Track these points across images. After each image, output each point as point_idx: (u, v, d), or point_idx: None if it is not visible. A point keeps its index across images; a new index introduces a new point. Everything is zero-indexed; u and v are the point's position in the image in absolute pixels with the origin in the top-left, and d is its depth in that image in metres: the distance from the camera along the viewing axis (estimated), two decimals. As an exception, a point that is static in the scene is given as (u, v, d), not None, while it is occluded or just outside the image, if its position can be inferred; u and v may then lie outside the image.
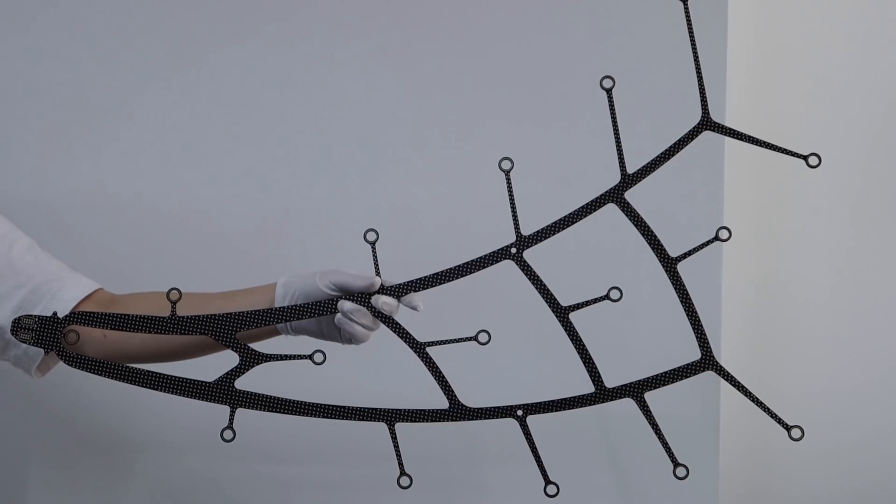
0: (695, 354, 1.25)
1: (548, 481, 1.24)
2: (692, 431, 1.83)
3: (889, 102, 1.94)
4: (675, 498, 1.79)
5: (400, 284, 1.26)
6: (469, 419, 1.25)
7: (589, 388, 1.26)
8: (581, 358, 1.26)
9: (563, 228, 1.26)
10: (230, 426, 1.22)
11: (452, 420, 1.25)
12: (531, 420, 1.25)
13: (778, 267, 1.96)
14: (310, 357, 1.21)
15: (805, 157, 1.22)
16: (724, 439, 1.87)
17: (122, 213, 1.85)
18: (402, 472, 1.23)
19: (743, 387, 1.24)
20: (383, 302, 1.25)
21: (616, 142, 1.25)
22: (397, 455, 1.24)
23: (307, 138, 1.86)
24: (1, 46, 1.84)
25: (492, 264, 1.26)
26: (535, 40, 1.85)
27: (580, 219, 1.26)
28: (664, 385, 1.25)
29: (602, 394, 1.26)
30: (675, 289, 1.25)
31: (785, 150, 1.23)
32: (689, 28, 1.24)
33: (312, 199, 1.86)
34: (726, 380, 1.25)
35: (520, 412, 1.25)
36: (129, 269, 1.83)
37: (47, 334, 1.23)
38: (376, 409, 1.25)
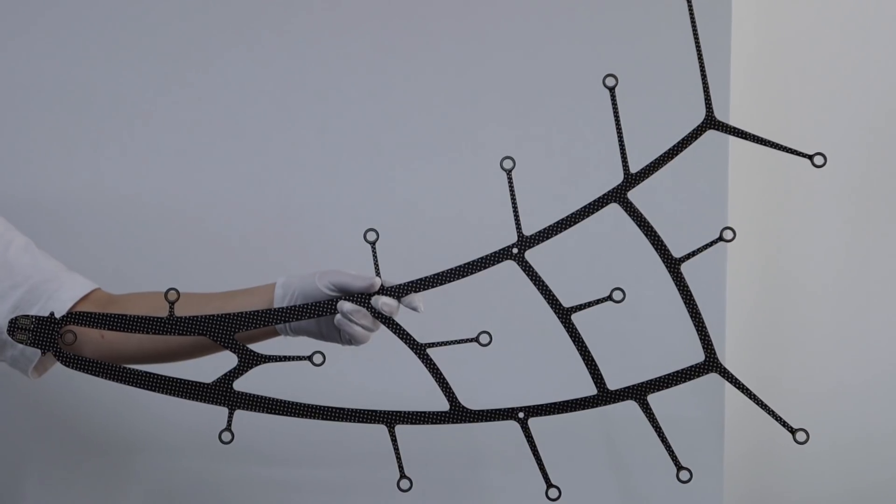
0: (698, 356, 1.25)
1: (549, 485, 1.25)
2: (696, 434, 1.82)
3: (894, 100, 1.94)
4: (679, 502, 1.79)
5: (400, 285, 1.26)
6: (470, 421, 1.25)
7: (591, 390, 1.26)
8: (583, 359, 1.26)
9: (566, 228, 1.26)
10: (228, 428, 1.22)
11: (453, 422, 1.25)
12: (533, 422, 1.26)
13: (782, 268, 1.96)
14: (309, 358, 1.21)
15: (810, 157, 1.22)
16: (728, 442, 1.87)
17: (120, 212, 1.85)
18: (403, 475, 1.24)
19: (747, 389, 1.24)
20: (383, 303, 1.25)
21: (619, 141, 1.25)
22: (397, 458, 1.24)
23: (307, 137, 1.86)
24: (0, 45, 1.85)
25: (493, 265, 1.26)
26: (537, 39, 1.85)
27: (582, 219, 1.26)
28: (667, 387, 1.25)
29: (604, 396, 1.26)
30: (679, 290, 1.25)
31: (790, 149, 1.23)
32: (692, 26, 1.24)
33: (312, 198, 1.86)
34: (730, 382, 1.25)
35: (521, 414, 1.26)
36: (126, 268, 1.83)
37: (44, 335, 1.23)
38: (376, 411, 1.25)
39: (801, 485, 1.97)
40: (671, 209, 1.80)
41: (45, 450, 1.86)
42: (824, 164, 1.22)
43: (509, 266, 1.28)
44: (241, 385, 1.24)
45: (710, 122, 1.25)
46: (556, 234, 1.26)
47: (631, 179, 1.26)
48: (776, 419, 1.24)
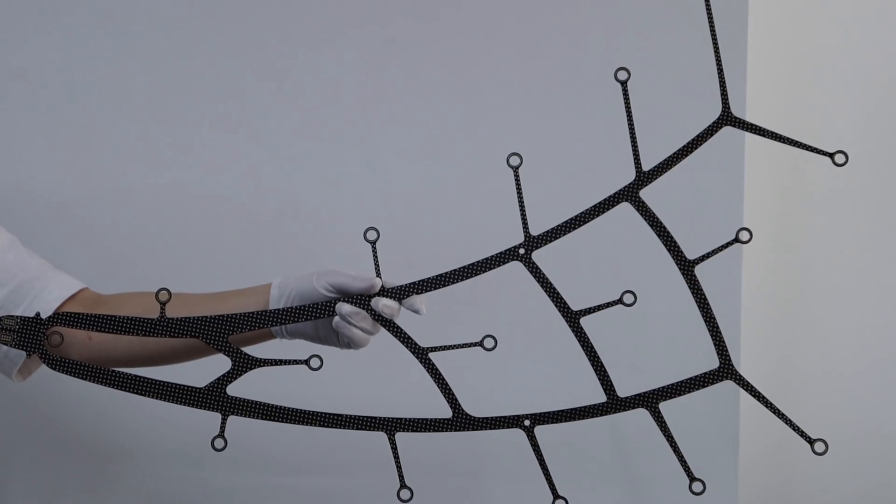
0: (712, 362, 1.25)
1: (556, 496, 1.24)
2: (709, 444, 1.82)
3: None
4: (691, 514, 1.79)
5: (401, 286, 1.26)
6: (473, 429, 1.25)
7: (600, 397, 1.26)
8: (592, 365, 1.25)
9: (575, 228, 1.26)
10: (221, 434, 1.22)
11: (456, 430, 1.25)
12: (539, 431, 1.25)
13: (800, 270, 1.96)
14: (306, 362, 1.21)
15: (831, 155, 1.22)
16: (743, 452, 1.86)
17: (109, 208, 1.85)
18: (403, 485, 1.23)
19: (764, 397, 1.24)
20: (384, 304, 1.25)
21: (631, 137, 1.25)
22: (397, 466, 1.24)
23: (305, 131, 1.86)
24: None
25: (499, 266, 1.26)
26: (546, 30, 1.85)
27: (592, 218, 1.26)
28: (680, 395, 1.25)
29: (614, 403, 1.26)
30: (693, 293, 1.24)
31: (809, 147, 1.23)
32: (709, 18, 1.23)
33: (310, 195, 1.85)
34: (746, 390, 1.24)
35: (527, 422, 1.25)
36: (116, 267, 1.83)
37: (30, 336, 1.23)
38: (375, 418, 1.24)
39: (819, 497, 1.97)
40: (685, 209, 1.80)
41: (29, 455, 1.86)
42: (846, 162, 1.21)
43: (515, 267, 1.27)
44: (234, 390, 1.23)
45: (727, 118, 1.25)
46: (564, 234, 1.26)
47: (643, 177, 1.26)
48: (794, 429, 1.23)
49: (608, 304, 1.24)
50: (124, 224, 1.85)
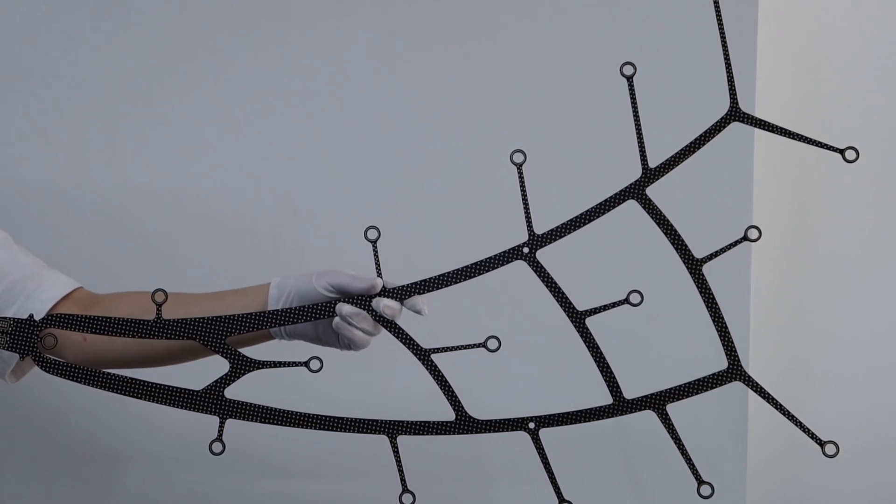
0: (721, 363, 1.25)
1: (561, 499, 1.24)
2: (718, 446, 1.82)
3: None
4: (699, 518, 1.79)
5: (403, 286, 1.26)
6: (477, 432, 1.25)
7: (606, 399, 1.26)
8: (598, 366, 1.25)
9: (580, 227, 1.26)
10: (219, 438, 1.22)
11: (459, 433, 1.25)
12: (544, 433, 1.25)
13: (810, 269, 1.96)
14: (305, 364, 1.21)
15: (842, 151, 1.22)
16: (751, 454, 1.86)
17: (104, 206, 1.85)
18: (405, 489, 1.23)
19: (773, 399, 1.24)
20: (385, 305, 1.25)
21: (637, 133, 1.25)
22: (399, 470, 1.24)
23: (306, 129, 1.86)
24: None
25: (502, 265, 1.26)
26: (550, 25, 1.85)
27: (598, 216, 1.26)
28: (688, 396, 1.25)
29: (621, 405, 1.25)
30: (701, 292, 1.24)
31: (820, 143, 1.23)
32: (716, 12, 1.23)
33: (310, 193, 1.85)
34: (755, 391, 1.24)
35: (532, 425, 1.25)
36: (111, 266, 1.83)
37: (23, 338, 1.22)
38: (377, 421, 1.24)
39: (829, 499, 1.96)
40: (693, 207, 1.80)
41: (23, 459, 1.86)
42: (856, 158, 1.21)
43: (519, 266, 1.27)
44: (232, 392, 1.23)
45: (735, 114, 1.24)
46: (569, 232, 1.26)
47: (650, 175, 1.25)
48: (804, 431, 1.23)
49: (614, 304, 1.24)
50: (120, 222, 1.85)
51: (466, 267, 1.25)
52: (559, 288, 1.25)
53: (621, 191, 1.26)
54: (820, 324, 1.96)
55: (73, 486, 1.86)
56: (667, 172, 1.26)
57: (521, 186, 1.25)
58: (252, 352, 1.26)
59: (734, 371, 1.24)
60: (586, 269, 1.80)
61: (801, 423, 1.23)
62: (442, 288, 1.25)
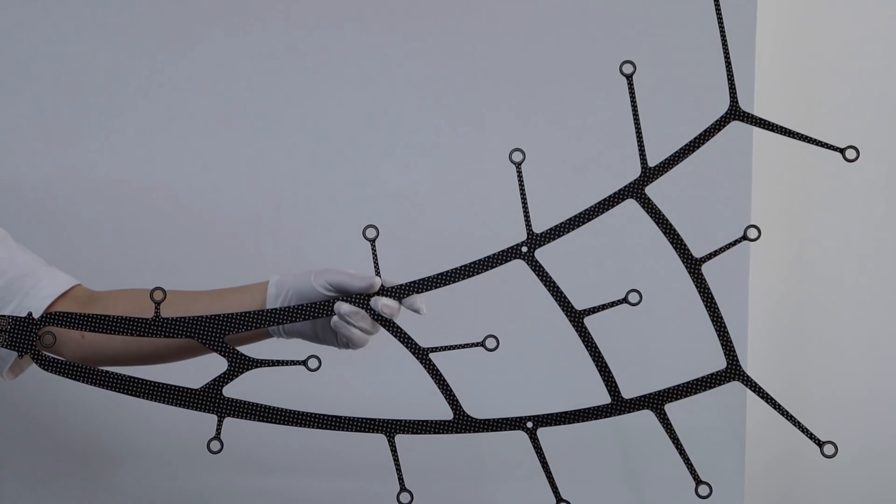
0: (719, 363, 1.25)
1: (560, 499, 1.24)
2: (716, 446, 1.82)
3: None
4: (697, 518, 1.79)
5: (401, 285, 1.26)
6: (475, 431, 1.25)
7: (605, 398, 1.26)
8: (596, 366, 1.25)
9: (579, 226, 1.26)
10: (217, 436, 1.21)
11: (457, 432, 1.25)
12: (542, 433, 1.25)
13: (809, 269, 1.96)
14: (303, 363, 1.21)
15: (842, 150, 1.21)
16: (750, 454, 1.86)
17: (103, 203, 1.85)
18: (403, 488, 1.23)
19: (772, 399, 1.24)
20: (383, 304, 1.24)
21: (636, 132, 1.25)
22: (397, 469, 1.24)
23: (304, 126, 1.86)
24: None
25: (501, 264, 1.26)
26: (550, 22, 1.85)
27: (597, 216, 1.26)
28: (686, 396, 1.25)
29: (619, 405, 1.25)
30: (699, 292, 1.24)
31: (820, 142, 1.23)
32: (717, 12, 1.23)
33: (308, 191, 1.85)
34: (754, 391, 1.24)
35: (530, 424, 1.25)
36: (109, 263, 1.83)
37: (21, 336, 1.22)
38: (375, 420, 1.24)
39: (827, 500, 1.97)
40: (692, 206, 1.80)
41: (21, 457, 1.86)
42: (857, 157, 1.21)
43: (518, 266, 1.27)
44: (231, 391, 1.23)
45: (735, 113, 1.24)
46: (568, 231, 1.26)
47: (649, 174, 1.25)
48: (803, 431, 1.23)
49: (613, 304, 1.24)
50: (118, 219, 1.85)
51: (465, 266, 1.25)
52: (558, 287, 1.25)
53: (620, 190, 1.26)
54: (818, 323, 1.96)
55: (71, 483, 1.86)
56: (666, 171, 1.26)
57: (519, 185, 1.25)
58: (250, 350, 1.26)
59: (733, 371, 1.24)
60: (585, 268, 1.80)
61: (799, 423, 1.23)
62: (440, 287, 1.25)
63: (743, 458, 1.85)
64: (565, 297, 1.25)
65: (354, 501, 1.86)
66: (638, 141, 1.25)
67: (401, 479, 1.23)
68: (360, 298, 1.25)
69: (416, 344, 1.25)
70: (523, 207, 1.26)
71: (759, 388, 1.24)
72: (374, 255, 1.26)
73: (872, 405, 1.95)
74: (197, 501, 1.86)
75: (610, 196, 1.26)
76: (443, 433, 1.24)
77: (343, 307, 1.24)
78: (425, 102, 1.85)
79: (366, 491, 1.84)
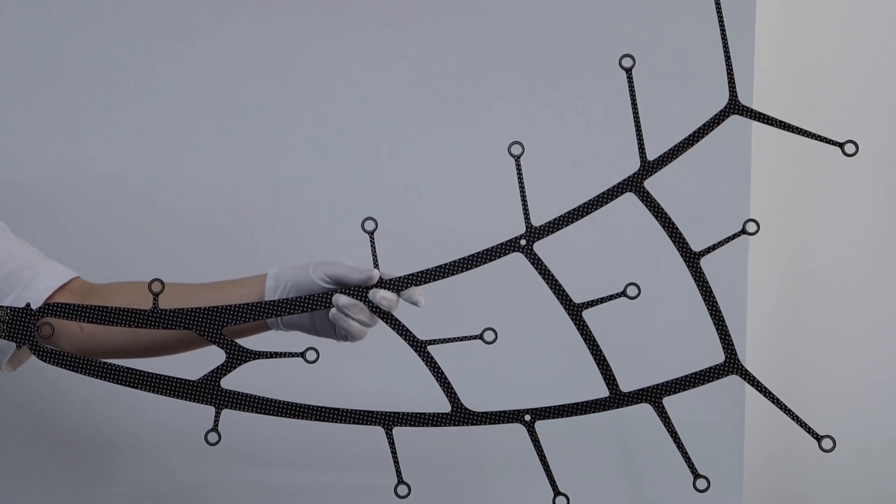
0: (718, 356, 1.25)
1: (557, 492, 1.24)
2: (714, 440, 1.82)
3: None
4: (695, 511, 1.79)
5: (400, 278, 1.26)
6: (473, 424, 1.25)
7: (603, 391, 1.26)
8: (595, 359, 1.25)
9: (578, 219, 1.26)
10: (215, 428, 1.22)
11: (455, 424, 1.25)
12: (540, 426, 1.25)
13: (807, 263, 1.96)
14: (302, 355, 1.21)
15: (841, 145, 1.21)
16: (748, 448, 1.87)
17: (101, 195, 1.85)
18: (400, 481, 1.23)
19: (770, 392, 1.24)
20: (382, 296, 1.24)
21: (635, 126, 1.25)
22: (395, 462, 1.24)
23: (302, 118, 1.85)
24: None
25: (500, 257, 1.26)
26: (548, 14, 1.85)
27: (596, 209, 1.26)
28: (684, 389, 1.25)
29: (617, 398, 1.26)
30: (698, 285, 1.24)
31: (819, 136, 1.23)
32: (716, 5, 1.23)
33: (307, 184, 1.85)
34: (752, 385, 1.24)
35: (528, 417, 1.25)
36: (108, 256, 1.83)
37: (20, 327, 1.22)
38: (373, 412, 1.24)
39: (826, 494, 1.97)
40: (691, 199, 1.80)
41: (19, 449, 1.86)
42: (856, 152, 1.21)
43: (517, 259, 1.27)
44: (229, 383, 1.23)
45: (734, 107, 1.24)
46: (567, 224, 1.25)
47: (648, 167, 1.25)
48: (801, 425, 1.23)
49: (611, 297, 1.24)
50: (117, 213, 1.84)
51: (463, 259, 1.25)
52: (556, 280, 1.25)
53: (619, 183, 1.26)
54: (817, 317, 1.96)
55: (69, 475, 1.86)
56: (665, 165, 1.25)
57: (518, 178, 1.25)
58: (248, 342, 1.26)
59: (731, 364, 1.25)
60: (583, 261, 1.80)
61: (797, 417, 1.23)
62: (439, 280, 1.25)
63: (741, 452, 1.85)
64: (564, 291, 1.25)
65: (352, 494, 1.86)
66: (637, 134, 1.25)
67: (398, 471, 1.24)
68: (359, 291, 1.25)
69: (414, 336, 1.25)
70: (522, 200, 1.25)
71: (758, 381, 1.24)
72: (373, 247, 1.26)
73: (871, 399, 1.96)
74: (194, 493, 1.87)
75: (609, 189, 1.26)
76: (441, 426, 1.25)
77: (341, 299, 1.24)
78: (424, 95, 1.85)
79: (363, 483, 1.84)
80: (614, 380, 1.25)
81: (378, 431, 1.25)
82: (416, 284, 1.26)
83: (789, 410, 1.23)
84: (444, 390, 1.25)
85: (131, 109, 1.85)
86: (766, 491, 1.96)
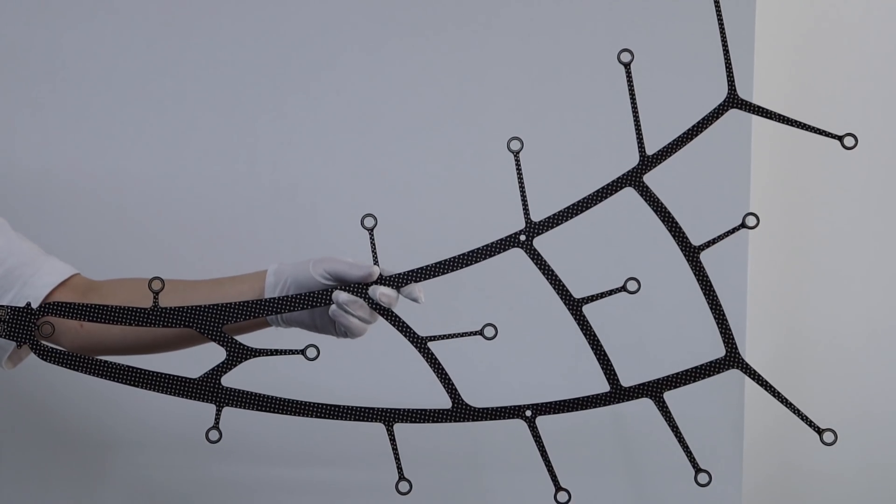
0: (718, 351, 1.25)
1: (558, 488, 1.24)
2: (715, 434, 1.82)
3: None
4: (696, 505, 1.80)
5: (400, 274, 1.26)
6: (473, 420, 1.25)
7: (603, 386, 1.26)
8: (595, 354, 1.25)
9: (577, 214, 1.26)
10: (216, 426, 1.22)
11: (455, 421, 1.25)
12: (541, 421, 1.25)
13: (808, 257, 1.96)
14: (302, 352, 1.21)
15: (840, 138, 1.21)
16: (748, 442, 1.87)
17: (101, 191, 1.85)
18: (401, 477, 1.23)
19: (770, 386, 1.24)
20: (382, 293, 1.24)
21: (634, 120, 1.25)
22: (396, 458, 1.24)
23: (302, 114, 1.85)
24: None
25: (499, 252, 1.26)
26: (548, 10, 1.84)
27: (595, 204, 1.26)
28: (685, 384, 1.25)
29: (618, 393, 1.26)
30: (698, 280, 1.24)
31: (818, 129, 1.23)
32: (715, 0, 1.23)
33: (307, 180, 1.85)
34: (752, 378, 1.24)
35: (528, 413, 1.25)
36: (108, 252, 1.83)
37: (20, 326, 1.22)
38: (373, 409, 1.24)
39: (827, 488, 1.97)
40: (690, 194, 1.80)
41: (19, 445, 1.86)
42: (855, 145, 1.21)
43: (516, 254, 1.27)
44: (229, 380, 1.23)
45: (733, 101, 1.24)
46: (566, 219, 1.25)
47: (647, 162, 1.25)
48: (802, 418, 1.23)
49: (611, 292, 1.24)
50: (117, 209, 1.84)
51: (463, 255, 1.25)
52: (556, 276, 1.25)
53: (618, 178, 1.26)
54: (817, 311, 1.96)
55: (70, 473, 1.86)
56: (664, 160, 1.25)
57: (518, 174, 1.25)
58: (249, 339, 1.26)
59: (731, 359, 1.25)
60: (583, 256, 1.80)
61: (798, 410, 1.23)
62: (439, 276, 1.25)
63: (741, 446, 1.85)
64: (564, 286, 1.25)
65: (353, 490, 1.86)
66: (636, 129, 1.25)
67: (399, 467, 1.24)
68: (359, 287, 1.25)
69: (414, 333, 1.25)
70: (521, 196, 1.25)
71: (758, 375, 1.24)
72: (373, 244, 1.25)
73: (871, 392, 1.96)
74: (195, 490, 1.87)
75: (608, 184, 1.26)
76: (441, 422, 1.25)
77: (341, 296, 1.24)
78: (423, 91, 1.85)
79: (364, 480, 1.85)
80: (615, 375, 1.25)
81: (379, 428, 1.25)
82: (415, 281, 1.25)
83: (790, 403, 1.23)
84: (444, 386, 1.25)
85: (131, 105, 1.85)
86: (766, 485, 1.96)
